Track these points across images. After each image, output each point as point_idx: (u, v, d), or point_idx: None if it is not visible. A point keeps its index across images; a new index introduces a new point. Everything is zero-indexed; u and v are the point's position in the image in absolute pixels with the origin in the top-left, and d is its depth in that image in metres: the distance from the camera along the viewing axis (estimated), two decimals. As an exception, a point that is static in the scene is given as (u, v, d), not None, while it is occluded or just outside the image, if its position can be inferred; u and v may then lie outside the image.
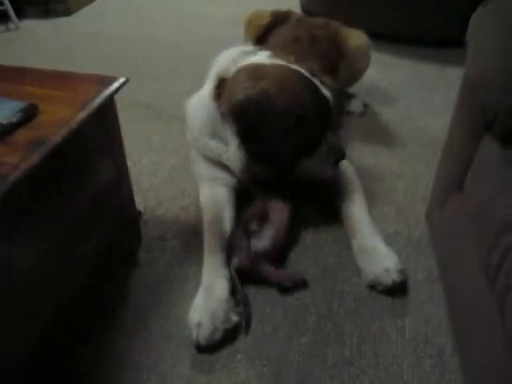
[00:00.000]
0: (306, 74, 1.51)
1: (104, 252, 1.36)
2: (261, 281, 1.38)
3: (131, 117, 2.21)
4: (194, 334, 1.22)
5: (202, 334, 1.21)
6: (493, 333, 0.91)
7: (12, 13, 3.26)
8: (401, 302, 1.35)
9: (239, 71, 1.50)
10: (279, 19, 2.16)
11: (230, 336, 1.25)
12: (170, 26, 3.34)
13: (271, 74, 1.46)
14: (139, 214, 1.51)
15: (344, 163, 1.63)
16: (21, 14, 3.45)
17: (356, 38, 2.10)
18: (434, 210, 1.39)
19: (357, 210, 1.55)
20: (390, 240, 1.52)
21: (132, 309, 1.33)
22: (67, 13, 3.59)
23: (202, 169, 1.68)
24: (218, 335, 1.23)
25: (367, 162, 1.91)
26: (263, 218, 1.47)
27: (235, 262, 1.37)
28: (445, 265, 1.27)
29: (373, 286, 1.37)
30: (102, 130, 1.25)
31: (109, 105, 1.23)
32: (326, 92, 1.52)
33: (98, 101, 1.15)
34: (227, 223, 1.52)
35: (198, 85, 1.63)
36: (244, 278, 1.36)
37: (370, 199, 1.66)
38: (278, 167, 1.49)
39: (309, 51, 1.91)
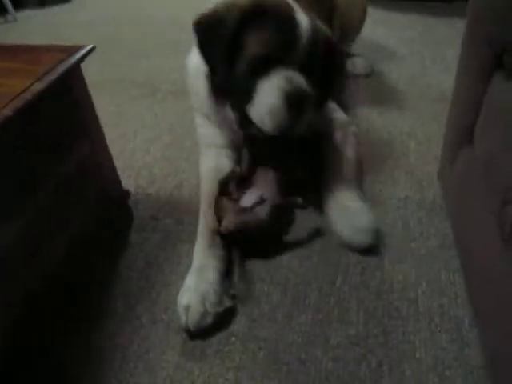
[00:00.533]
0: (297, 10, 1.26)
1: (87, 232, 1.27)
2: (253, 242, 1.29)
3: (128, 97, 2.13)
4: (183, 319, 1.12)
5: (191, 319, 1.11)
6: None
7: (9, 4, 3.21)
8: (413, 272, 1.22)
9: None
10: None
11: (223, 319, 1.15)
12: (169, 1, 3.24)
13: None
14: (127, 192, 1.41)
15: (342, 121, 1.50)
16: (18, 5, 3.39)
17: None
18: (445, 168, 1.25)
19: (337, 165, 1.43)
20: (401, 205, 1.40)
21: (122, 295, 1.24)
22: (64, 0, 3.54)
23: (206, 135, 1.56)
24: (209, 319, 1.12)
25: (376, 123, 1.77)
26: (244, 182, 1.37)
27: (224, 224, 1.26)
28: (458, 226, 1.13)
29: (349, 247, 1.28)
30: (68, 103, 1.14)
31: (74, 75, 1.13)
32: (304, 24, 1.23)
33: (58, 70, 1.05)
34: None
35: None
36: (235, 241, 1.27)
37: (381, 163, 1.55)
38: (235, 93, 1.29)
39: None
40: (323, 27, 1.31)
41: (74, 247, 1.22)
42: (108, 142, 1.33)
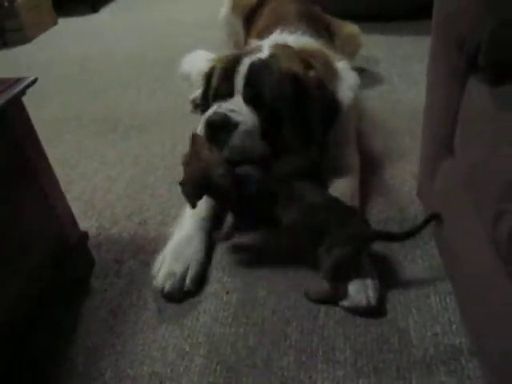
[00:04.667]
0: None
1: (44, 281, 1.14)
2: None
3: (88, 134, 2.03)
4: (163, 284, 1.19)
5: (172, 286, 1.18)
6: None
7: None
8: (402, 299, 1.12)
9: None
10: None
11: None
12: (129, 40, 3.20)
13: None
14: (85, 235, 1.29)
15: (349, 170, 1.43)
16: (-22, 48, 3.30)
17: (348, 26, 2.10)
18: (425, 184, 1.17)
19: None
20: (382, 227, 1.30)
21: (83, 349, 1.11)
22: (25, 40, 3.47)
23: None
24: (188, 288, 1.19)
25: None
26: None
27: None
28: (446, 246, 1.03)
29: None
30: (9, 145, 1.03)
31: (15, 109, 1.02)
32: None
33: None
34: None
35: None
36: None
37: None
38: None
39: (310, 27, 1.75)
40: (288, 66, 1.30)
41: (28, 296, 1.09)
42: (68, 183, 1.24)
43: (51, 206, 1.17)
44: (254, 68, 1.29)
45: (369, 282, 1.11)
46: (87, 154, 1.87)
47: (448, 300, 1.10)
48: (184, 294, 1.19)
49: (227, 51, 1.84)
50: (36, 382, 1.06)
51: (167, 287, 1.18)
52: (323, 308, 1.12)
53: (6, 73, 2.96)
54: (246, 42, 1.99)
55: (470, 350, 0.99)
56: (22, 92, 1.02)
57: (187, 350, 1.07)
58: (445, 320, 1.06)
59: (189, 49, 2.37)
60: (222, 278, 1.24)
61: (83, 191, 1.64)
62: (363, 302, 1.09)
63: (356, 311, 1.10)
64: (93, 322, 1.17)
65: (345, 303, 1.11)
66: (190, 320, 1.14)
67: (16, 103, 1.02)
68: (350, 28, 2.08)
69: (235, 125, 1.24)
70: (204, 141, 1.23)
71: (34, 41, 3.49)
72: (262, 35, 1.64)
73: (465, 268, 0.92)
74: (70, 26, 3.73)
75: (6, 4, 3.37)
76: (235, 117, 1.25)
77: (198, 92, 2.06)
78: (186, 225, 1.32)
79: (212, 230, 1.33)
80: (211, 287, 1.22)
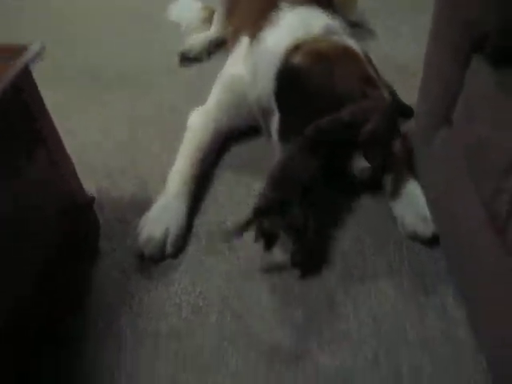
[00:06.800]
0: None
1: (56, 246, 1.18)
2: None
3: (70, 87, 1.97)
4: (142, 247, 1.24)
5: (150, 250, 1.24)
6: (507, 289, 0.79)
7: None
8: (396, 253, 1.23)
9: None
10: None
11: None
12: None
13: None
14: (92, 199, 1.32)
15: None
16: None
17: None
18: (421, 147, 1.23)
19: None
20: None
21: (100, 309, 1.17)
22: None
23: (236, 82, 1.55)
24: (167, 252, 1.25)
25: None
26: None
27: None
28: (440, 213, 1.13)
29: (413, 238, 1.24)
30: (23, 117, 1.03)
31: (24, 78, 1.01)
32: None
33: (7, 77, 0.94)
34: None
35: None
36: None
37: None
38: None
39: None
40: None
41: (40, 264, 1.13)
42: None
43: (59, 172, 1.18)
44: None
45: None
46: (71, 109, 1.81)
47: (437, 253, 1.20)
48: (164, 257, 1.26)
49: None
50: (55, 340, 1.11)
51: (147, 251, 1.24)
52: (324, 263, 1.23)
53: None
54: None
55: (454, 298, 1.11)
56: (32, 61, 1.01)
57: (200, 304, 1.16)
58: (433, 272, 1.18)
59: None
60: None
61: (74, 149, 1.61)
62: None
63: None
64: (107, 282, 1.23)
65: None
66: (200, 277, 1.22)
67: (26, 73, 1.01)
68: None
69: None
70: None
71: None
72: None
73: (459, 235, 1.02)
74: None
75: None
76: None
77: (187, 44, 2.03)
78: (168, 189, 1.37)
79: (195, 192, 1.39)
80: (215, 245, 1.29)
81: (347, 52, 1.35)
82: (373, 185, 1.37)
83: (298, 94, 1.28)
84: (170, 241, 1.25)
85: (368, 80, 1.31)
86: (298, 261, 1.20)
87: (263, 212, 1.16)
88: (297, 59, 1.31)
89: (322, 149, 1.24)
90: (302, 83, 1.27)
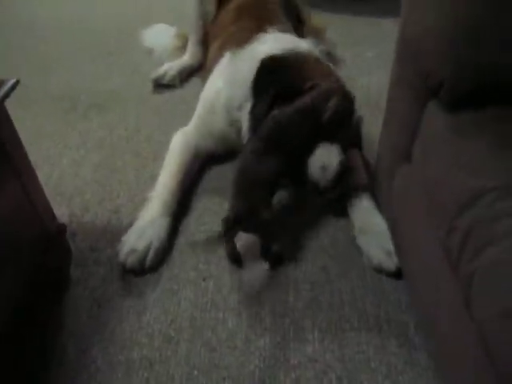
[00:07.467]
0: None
1: (27, 278, 1.19)
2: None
3: (45, 113, 1.99)
4: (124, 259, 1.31)
5: (132, 263, 1.30)
6: (460, 321, 0.84)
7: None
8: (359, 282, 1.29)
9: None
10: None
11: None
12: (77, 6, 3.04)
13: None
14: (63, 226, 1.33)
15: None
16: None
17: (316, 20, 2.25)
18: (384, 182, 1.30)
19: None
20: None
21: (71, 339, 1.18)
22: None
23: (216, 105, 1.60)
24: (147, 265, 1.31)
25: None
26: None
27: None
28: (403, 247, 1.19)
29: (377, 270, 1.30)
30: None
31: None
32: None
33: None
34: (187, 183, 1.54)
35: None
36: None
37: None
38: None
39: (279, 13, 1.89)
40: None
41: (12, 293, 1.13)
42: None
43: (32, 203, 1.20)
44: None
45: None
46: (47, 136, 1.84)
47: (399, 283, 1.26)
48: (145, 270, 1.32)
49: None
50: (27, 371, 1.12)
51: (129, 262, 1.31)
52: (291, 292, 1.27)
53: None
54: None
55: (415, 326, 1.17)
56: (6, 96, 1.03)
57: (172, 335, 1.18)
58: (395, 300, 1.24)
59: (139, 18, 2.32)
60: (197, 265, 1.34)
61: (49, 177, 1.64)
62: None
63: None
64: (78, 311, 1.24)
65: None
66: (172, 306, 1.24)
67: (1, 109, 1.03)
68: (317, 21, 2.24)
69: None
70: None
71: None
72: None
73: (416, 262, 1.08)
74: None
75: None
76: None
77: (161, 70, 2.06)
78: (151, 208, 1.43)
79: (176, 214, 1.46)
80: (188, 275, 1.32)
81: (314, 57, 1.52)
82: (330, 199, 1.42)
83: (272, 76, 1.39)
84: (151, 254, 1.32)
85: (328, 75, 1.46)
86: (270, 256, 1.30)
87: (234, 222, 1.21)
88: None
89: (279, 145, 1.30)
90: (278, 66, 1.41)
